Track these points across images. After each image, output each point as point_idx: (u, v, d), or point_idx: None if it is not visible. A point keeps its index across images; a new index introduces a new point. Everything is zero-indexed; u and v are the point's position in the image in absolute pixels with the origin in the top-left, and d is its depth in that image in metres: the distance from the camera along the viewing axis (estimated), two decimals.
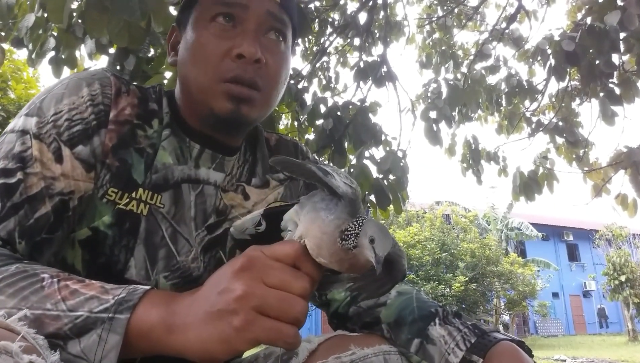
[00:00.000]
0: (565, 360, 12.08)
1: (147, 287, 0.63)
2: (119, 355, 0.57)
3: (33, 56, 2.02)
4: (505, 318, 21.34)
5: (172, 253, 0.84)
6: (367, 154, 2.88)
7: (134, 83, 0.91)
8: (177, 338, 0.58)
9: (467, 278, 17.19)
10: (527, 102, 4.42)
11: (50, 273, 0.64)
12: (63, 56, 2.22)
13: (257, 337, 0.56)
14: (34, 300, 0.60)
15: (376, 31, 4.10)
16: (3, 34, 2.13)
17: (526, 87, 4.20)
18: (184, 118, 0.90)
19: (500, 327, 20.74)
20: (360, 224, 0.57)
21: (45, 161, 0.75)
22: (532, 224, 23.91)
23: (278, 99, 0.93)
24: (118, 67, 2.39)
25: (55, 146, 0.76)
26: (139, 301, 0.60)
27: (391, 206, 2.72)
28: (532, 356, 0.74)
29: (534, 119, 4.50)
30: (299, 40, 4.17)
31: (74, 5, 1.99)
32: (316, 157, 1.15)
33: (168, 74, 2.15)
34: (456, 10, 4.90)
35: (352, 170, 2.74)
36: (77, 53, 2.28)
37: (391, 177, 2.75)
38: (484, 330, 0.76)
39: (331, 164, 2.87)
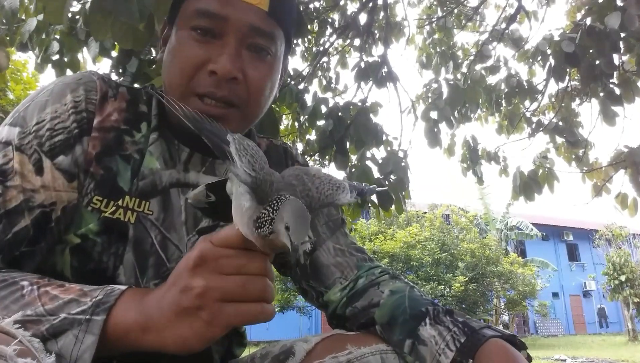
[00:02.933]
0: (565, 360, 12.08)
1: (124, 287, 0.64)
2: (97, 354, 0.59)
3: (38, 60, 2.03)
4: (505, 318, 21.34)
5: (162, 260, 0.82)
6: (368, 154, 2.89)
7: (125, 85, 0.89)
8: (153, 338, 0.61)
9: (467, 278, 17.19)
10: (527, 103, 4.42)
11: (30, 280, 0.65)
12: (66, 59, 2.23)
13: (228, 322, 0.59)
14: (14, 308, 0.60)
15: (376, 32, 4.11)
16: (8, 38, 2.14)
17: (526, 87, 4.20)
18: (172, 118, 0.87)
19: (500, 327, 20.68)
20: (276, 208, 0.54)
21: (26, 174, 0.74)
22: (532, 224, 23.90)
23: (261, 112, 0.89)
24: (121, 70, 2.40)
25: (36, 158, 0.75)
26: (115, 303, 0.62)
27: (393, 206, 2.73)
28: (525, 349, 0.73)
29: (534, 119, 4.50)
30: (299, 41, 4.18)
31: (77, 8, 2.00)
32: (305, 159, 1.13)
33: None
34: (456, 10, 4.90)
35: (353, 170, 2.75)
36: (80, 56, 2.29)
37: (392, 177, 2.75)
38: (473, 328, 0.74)
39: (334, 163, 2.87)
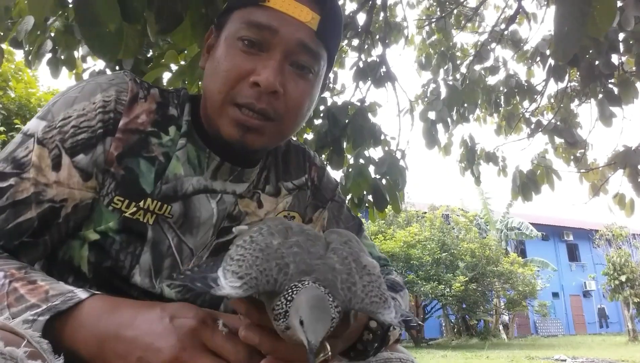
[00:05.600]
0: (565, 360, 12.05)
1: (84, 296, 0.65)
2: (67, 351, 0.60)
3: (30, 57, 2.02)
4: (506, 318, 21.34)
5: (176, 262, 0.84)
6: (365, 154, 2.89)
7: (157, 87, 0.90)
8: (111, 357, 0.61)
9: (467, 278, 17.21)
10: (526, 103, 4.43)
11: (6, 272, 0.66)
12: (62, 57, 2.23)
13: None
14: None
15: (376, 32, 4.10)
16: (1, 33, 2.14)
17: (525, 87, 4.20)
18: (205, 127, 0.88)
19: (500, 327, 20.75)
20: (290, 299, 0.49)
21: (43, 168, 0.75)
22: (532, 224, 23.88)
23: (297, 128, 0.89)
24: (117, 68, 2.40)
25: (56, 153, 0.76)
26: (67, 310, 0.62)
27: (390, 207, 2.73)
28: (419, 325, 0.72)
29: (533, 119, 4.50)
30: None
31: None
32: (322, 161, 1.13)
33: (166, 75, 2.15)
34: (455, 11, 4.90)
35: (350, 170, 2.75)
36: (76, 53, 2.29)
37: (389, 177, 2.75)
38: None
39: (329, 163, 2.86)
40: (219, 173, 0.88)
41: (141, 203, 0.80)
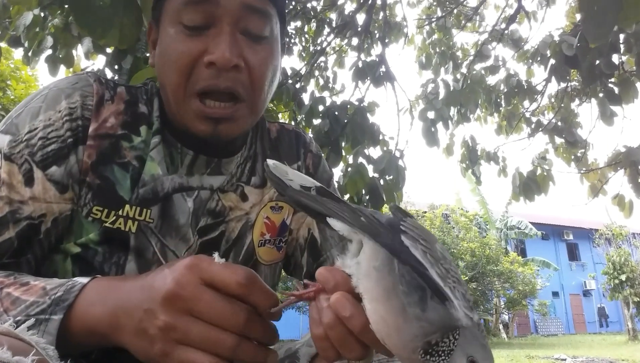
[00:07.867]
0: (565, 359, 12.05)
1: (85, 281, 0.62)
2: (67, 350, 0.57)
3: (29, 54, 2.01)
4: (505, 317, 21.35)
5: None
6: (365, 153, 2.88)
7: (123, 84, 0.85)
8: (119, 337, 0.59)
9: (467, 277, 17.22)
10: (526, 103, 4.42)
11: None
12: (60, 55, 2.22)
13: None
14: None
15: (376, 32, 4.09)
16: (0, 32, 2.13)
17: (525, 87, 4.20)
18: (173, 121, 0.83)
19: (500, 326, 20.77)
20: (456, 337, 0.45)
21: (15, 184, 0.71)
22: (532, 223, 23.87)
23: (267, 102, 0.83)
24: (116, 67, 2.39)
25: (27, 168, 0.72)
26: (75, 300, 0.59)
27: (387, 206, 2.73)
28: None
29: (534, 119, 4.50)
30: (297, 40, 4.17)
31: None
32: (318, 148, 1.05)
33: None
34: (455, 11, 4.89)
35: (348, 169, 2.74)
36: (74, 52, 2.28)
37: (388, 177, 2.75)
38: None
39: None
40: (194, 167, 0.83)
41: (120, 211, 0.77)
